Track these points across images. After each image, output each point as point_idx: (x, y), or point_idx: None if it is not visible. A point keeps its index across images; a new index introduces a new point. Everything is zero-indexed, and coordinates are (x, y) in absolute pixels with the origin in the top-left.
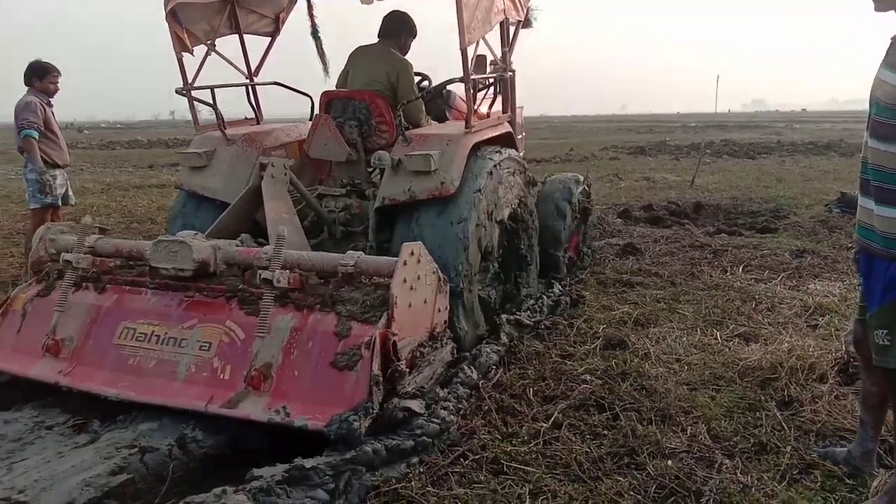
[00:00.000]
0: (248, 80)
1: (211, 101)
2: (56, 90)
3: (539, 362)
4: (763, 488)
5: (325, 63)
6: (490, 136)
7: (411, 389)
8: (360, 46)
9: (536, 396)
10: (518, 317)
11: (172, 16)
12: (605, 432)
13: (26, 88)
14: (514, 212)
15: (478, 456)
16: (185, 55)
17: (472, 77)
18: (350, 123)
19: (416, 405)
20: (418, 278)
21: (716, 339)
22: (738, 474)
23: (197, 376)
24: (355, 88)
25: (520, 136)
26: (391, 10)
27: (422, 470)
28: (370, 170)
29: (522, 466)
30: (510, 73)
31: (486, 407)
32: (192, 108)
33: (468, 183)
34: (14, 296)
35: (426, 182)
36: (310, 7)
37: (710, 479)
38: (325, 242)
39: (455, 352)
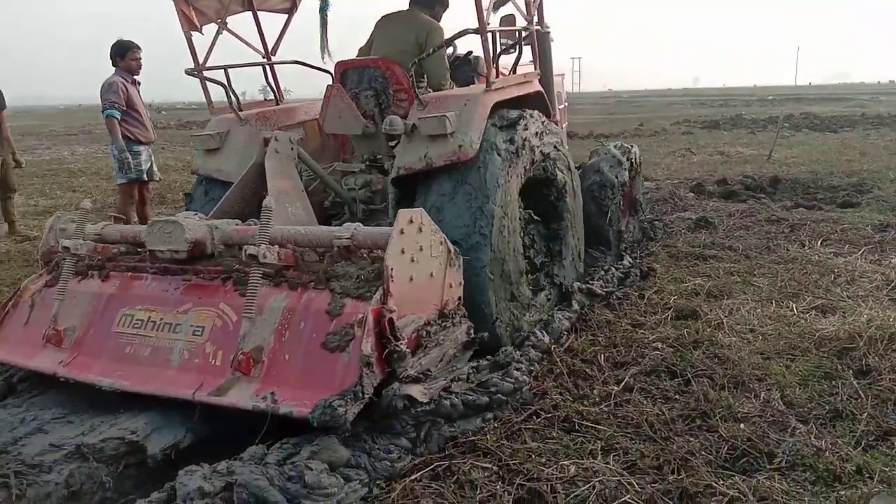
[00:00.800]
0: (265, 59)
1: (223, 82)
2: (138, 67)
3: (610, 330)
4: (837, 452)
5: (324, 41)
6: (515, 94)
7: (414, 373)
8: (387, 14)
9: (607, 362)
10: (590, 286)
11: None
12: (677, 396)
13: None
14: (545, 178)
15: (550, 414)
16: (196, 34)
17: (491, 29)
18: (366, 94)
19: (417, 392)
20: (421, 249)
21: (792, 310)
22: (812, 438)
23: (190, 363)
24: (380, 56)
25: (561, 106)
26: None
27: (496, 425)
28: (391, 143)
29: (594, 425)
30: (539, 28)
31: (558, 370)
32: (205, 89)
33: (490, 146)
34: (24, 287)
35: (443, 147)
36: None
37: (782, 441)
38: (347, 222)
39: (472, 332)
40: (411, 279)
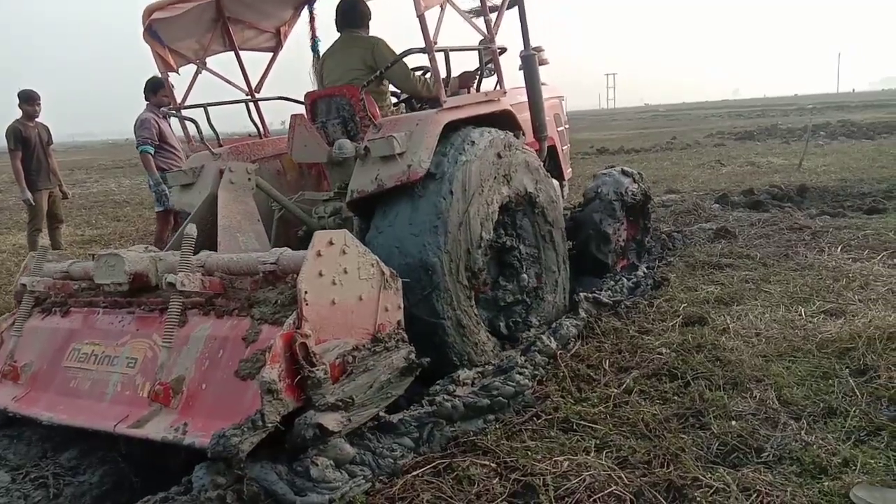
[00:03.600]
0: (248, 97)
1: (195, 120)
2: (168, 103)
3: (616, 337)
4: (826, 447)
5: (320, 79)
6: (472, 114)
7: (334, 400)
8: (327, 49)
9: (611, 367)
10: (597, 295)
11: (150, 34)
12: (675, 397)
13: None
14: (513, 201)
15: (550, 416)
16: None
17: (439, 48)
18: (333, 122)
19: (331, 421)
20: (345, 272)
21: (800, 315)
22: (803, 434)
23: (121, 395)
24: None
25: (560, 129)
26: (338, 1)
27: (497, 426)
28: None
29: (591, 424)
30: (501, 47)
31: (562, 374)
32: (183, 127)
33: (442, 167)
34: None
35: (393, 167)
36: (312, 19)
37: (771, 437)
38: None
39: (413, 357)
40: (333, 302)
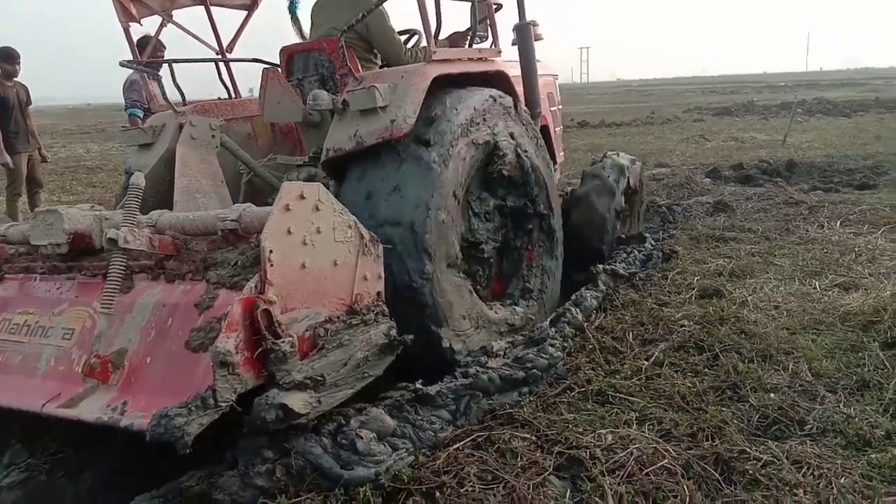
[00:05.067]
0: (219, 56)
1: (151, 71)
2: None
3: (636, 309)
4: (866, 419)
5: (300, 31)
6: (463, 70)
7: (301, 377)
8: (316, 1)
9: (636, 339)
10: (613, 267)
11: None
12: (706, 370)
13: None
14: (508, 170)
15: (583, 388)
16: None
17: None
18: (311, 79)
19: (298, 401)
20: (318, 231)
21: (814, 288)
22: (841, 406)
23: (54, 370)
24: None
25: (553, 108)
26: None
27: (532, 398)
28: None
29: (627, 397)
30: (493, 1)
31: (590, 346)
32: (145, 84)
33: (432, 125)
34: None
35: (374, 123)
36: None
37: (812, 409)
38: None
39: (394, 333)
40: (303, 266)
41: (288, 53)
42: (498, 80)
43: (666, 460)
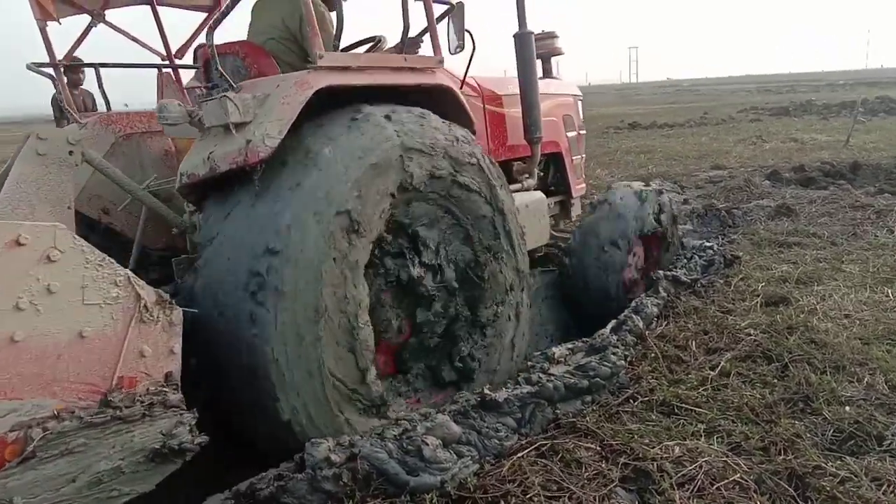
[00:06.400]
0: (166, 62)
1: (47, 75)
2: None
3: (698, 317)
4: None
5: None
6: (369, 81)
7: None
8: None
9: (699, 348)
10: (675, 273)
11: None
12: (776, 381)
13: None
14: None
15: (647, 398)
16: (60, 23)
17: None
18: (224, 87)
19: None
20: (48, 291)
21: (887, 296)
22: None
23: None
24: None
25: (573, 134)
26: None
27: (594, 408)
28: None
29: (693, 408)
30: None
31: (652, 355)
32: (63, 89)
33: (304, 148)
34: None
35: (228, 144)
36: None
37: (891, 424)
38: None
39: (183, 430)
40: (13, 340)
41: (206, 57)
42: (441, 96)
43: (738, 475)
